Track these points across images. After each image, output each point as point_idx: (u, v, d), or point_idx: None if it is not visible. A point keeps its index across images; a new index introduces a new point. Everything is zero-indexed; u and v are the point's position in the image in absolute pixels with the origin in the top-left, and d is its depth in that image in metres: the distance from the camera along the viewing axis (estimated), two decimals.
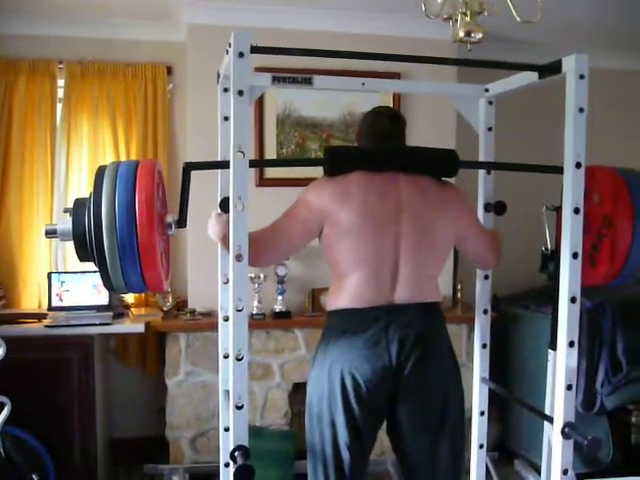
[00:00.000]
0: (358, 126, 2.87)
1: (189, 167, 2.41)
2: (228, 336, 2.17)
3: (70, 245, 4.70)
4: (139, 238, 2.11)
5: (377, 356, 2.52)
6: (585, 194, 2.34)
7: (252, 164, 2.20)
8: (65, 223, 2.22)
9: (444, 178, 2.76)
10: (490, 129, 2.97)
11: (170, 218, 2.36)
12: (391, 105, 4.85)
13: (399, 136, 2.81)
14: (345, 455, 2.60)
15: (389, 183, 2.60)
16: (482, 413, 3.06)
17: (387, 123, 2.79)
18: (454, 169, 2.70)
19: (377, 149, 2.75)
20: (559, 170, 2.34)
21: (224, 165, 2.22)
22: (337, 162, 2.63)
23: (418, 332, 2.55)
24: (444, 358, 2.67)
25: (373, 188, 2.57)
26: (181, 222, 2.42)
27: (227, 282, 2.54)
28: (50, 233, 2.26)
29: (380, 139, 2.76)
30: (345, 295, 2.59)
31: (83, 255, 2.21)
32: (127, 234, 2.09)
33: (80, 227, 2.17)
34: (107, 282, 2.20)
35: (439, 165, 2.72)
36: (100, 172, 2.21)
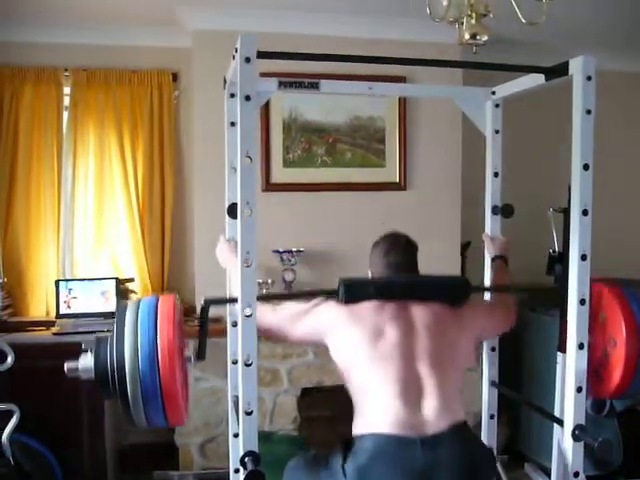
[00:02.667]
0: (370, 255, 2.80)
1: (208, 303, 2.51)
2: (237, 342, 2.17)
3: (77, 252, 4.72)
4: (162, 386, 2.15)
5: None
6: (591, 313, 2.37)
7: (259, 298, 2.23)
8: (86, 360, 2.25)
9: None
10: (497, 132, 2.97)
11: (189, 352, 2.40)
12: (397, 108, 4.86)
13: (411, 266, 2.76)
14: None
15: (402, 308, 2.55)
16: (492, 416, 3.05)
17: (399, 255, 2.73)
18: (465, 296, 2.68)
19: (389, 282, 2.69)
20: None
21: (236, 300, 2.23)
22: (350, 294, 2.57)
23: (454, 467, 2.37)
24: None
25: (385, 312, 2.52)
26: (200, 355, 2.52)
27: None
28: (72, 370, 2.31)
29: (393, 270, 2.71)
30: (372, 420, 2.43)
31: (105, 393, 2.23)
32: (150, 383, 2.14)
33: (102, 368, 2.20)
34: (129, 419, 2.24)
35: (450, 294, 2.67)
36: (121, 313, 2.27)
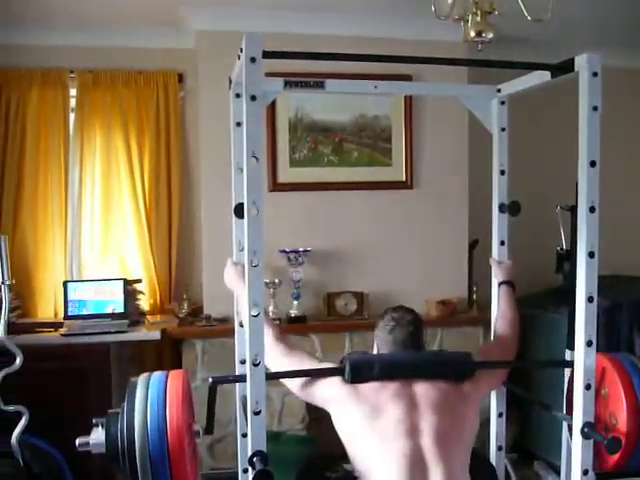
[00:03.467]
0: (377, 328, 2.76)
1: (215, 382, 2.63)
2: (245, 342, 2.17)
3: (85, 254, 4.73)
4: (171, 463, 2.19)
5: None
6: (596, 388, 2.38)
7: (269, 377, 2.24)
8: (97, 435, 2.33)
9: None
10: (503, 129, 2.96)
11: (197, 427, 2.43)
12: (403, 107, 4.86)
13: (417, 342, 2.73)
14: None
15: (405, 387, 2.52)
16: (500, 415, 3.04)
17: (405, 331, 2.70)
18: (469, 373, 2.64)
19: (395, 360, 2.65)
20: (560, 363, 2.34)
21: (244, 379, 2.24)
22: (357, 374, 2.53)
23: None
24: None
25: (388, 389, 2.49)
26: (208, 430, 2.59)
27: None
28: (83, 445, 2.38)
29: (398, 346, 2.68)
30: None
31: (116, 467, 2.28)
32: (160, 461, 2.19)
33: (113, 444, 2.27)
34: None
35: (454, 370, 2.64)
36: (131, 389, 2.37)
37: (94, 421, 2.38)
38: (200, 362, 4.50)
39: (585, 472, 2.35)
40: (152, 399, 2.29)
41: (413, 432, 2.41)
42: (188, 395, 2.43)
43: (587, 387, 2.34)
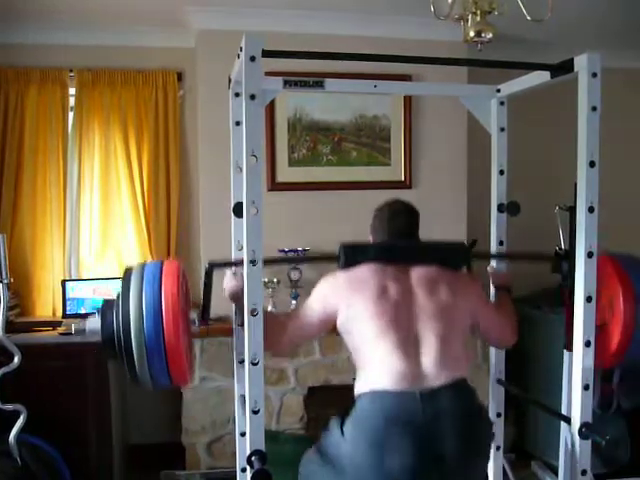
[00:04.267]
0: (372, 221, 2.84)
1: (212, 266, 2.60)
2: (243, 341, 2.17)
3: (83, 253, 4.74)
4: (166, 343, 2.23)
5: (411, 448, 2.36)
6: None
7: (266, 262, 2.23)
8: (93, 323, 2.34)
9: None
10: (503, 129, 2.97)
11: (194, 315, 2.48)
12: (402, 107, 4.86)
13: (412, 233, 2.80)
14: None
15: (401, 271, 2.61)
16: (498, 415, 3.05)
17: (401, 221, 2.78)
18: (463, 261, 2.76)
19: (389, 246, 2.75)
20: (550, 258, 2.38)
21: (241, 263, 2.25)
22: (351, 257, 2.65)
23: (454, 420, 2.41)
24: (481, 436, 2.57)
25: (386, 274, 2.58)
26: (204, 317, 2.61)
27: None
28: (79, 332, 2.38)
29: (394, 237, 2.76)
30: (372, 373, 2.49)
31: (111, 353, 2.30)
32: (154, 339, 2.22)
33: (108, 329, 2.29)
34: (134, 378, 2.31)
35: (448, 258, 2.73)
36: (127, 276, 2.35)
37: (95, 309, 2.43)
38: (199, 361, 4.49)
39: (583, 472, 2.36)
40: (147, 281, 2.29)
41: (409, 314, 2.52)
42: (183, 282, 2.43)
43: (585, 387, 2.34)
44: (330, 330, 2.66)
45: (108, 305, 2.33)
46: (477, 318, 2.72)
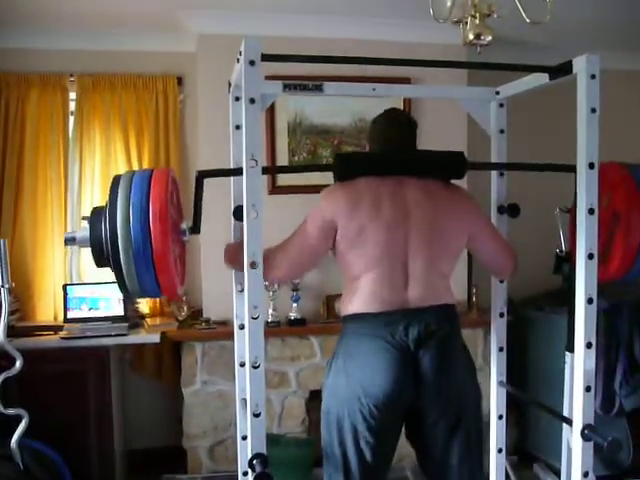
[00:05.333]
0: (369, 130, 2.86)
1: (202, 175, 2.51)
2: (244, 344, 2.17)
3: (85, 257, 4.74)
4: (153, 245, 2.17)
5: (396, 362, 2.49)
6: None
7: (264, 171, 2.21)
8: (83, 231, 2.30)
9: (454, 182, 2.76)
10: (502, 131, 2.97)
11: (184, 225, 2.42)
12: (402, 109, 4.85)
13: (410, 142, 2.81)
14: (369, 459, 2.58)
15: (398, 186, 2.61)
16: (500, 417, 3.04)
17: (398, 130, 2.79)
18: (462, 171, 2.73)
19: (385, 155, 2.76)
20: (572, 169, 2.34)
21: (237, 172, 2.25)
22: (346, 167, 2.66)
23: (436, 337, 2.52)
24: (461, 359, 2.67)
25: (382, 191, 2.58)
26: (195, 228, 2.51)
27: (242, 290, 2.53)
28: (69, 240, 2.35)
29: (391, 146, 2.76)
30: (359, 298, 2.59)
31: (100, 261, 2.30)
32: (141, 241, 2.17)
33: (97, 235, 2.26)
34: (123, 287, 2.28)
35: (447, 168, 2.72)
36: (115, 181, 2.29)
37: (83, 217, 2.37)
38: (200, 364, 4.50)
39: (585, 474, 2.35)
40: (135, 187, 2.25)
41: (400, 238, 2.57)
42: (174, 190, 2.41)
43: (587, 389, 2.34)
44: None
45: (97, 213, 2.29)
46: (476, 236, 2.73)
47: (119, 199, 2.21)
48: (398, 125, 2.82)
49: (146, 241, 2.16)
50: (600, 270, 2.43)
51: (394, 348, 2.49)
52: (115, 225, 2.18)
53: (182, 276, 2.46)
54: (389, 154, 2.75)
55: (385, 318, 2.52)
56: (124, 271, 2.21)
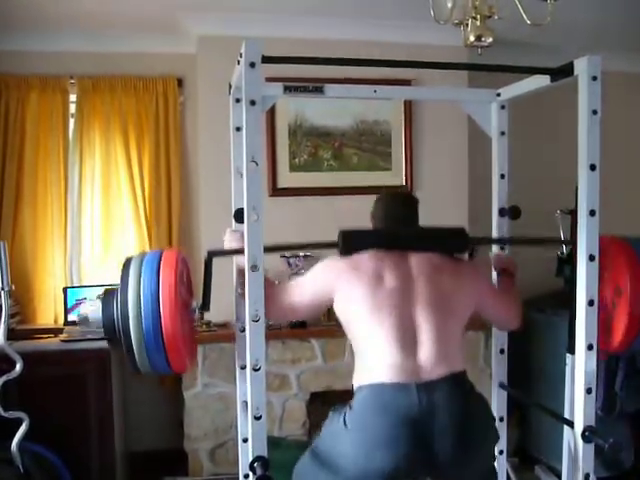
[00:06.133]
0: (373, 208, 2.84)
1: (212, 254, 2.58)
2: (245, 347, 2.17)
3: (85, 259, 4.74)
4: (163, 330, 2.25)
5: (407, 440, 2.34)
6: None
7: (267, 249, 2.22)
8: (95, 311, 2.40)
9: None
10: (503, 133, 2.97)
11: (194, 304, 2.51)
12: (402, 112, 4.87)
13: (412, 220, 2.80)
14: None
15: (401, 258, 2.58)
16: (501, 419, 3.04)
17: (401, 209, 2.80)
18: (464, 246, 2.75)
19: (389, 231, 2.74)
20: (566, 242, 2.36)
21: (242, 252, 2.26)
22: (350, 243, 2.62)
23: (451, 416, 2.38)
24: (477, 422, 2.50)
25: (385, 262, 2.55)
26: (204, 306, 2.58)
27: (242, 293, 2.52)
28: (82, 320, 2.44)
29: (394, 223, 2.76)
30: (369, 369, 2.48)
31: (112, 340, 2.36)
32: (152, 327, 2.25)
33: (109, 315, 2.32)
34: (134, 365, 2.35)
35: (449, 243, 2.73)
36: (126, 264, 2.38)
37: (97, 295, 2.48)
38: (201, 367, 4.50)
39: (587, 476, 2.35)
40: (145, 269, 2.32)
41: (407, 303, 2.49)
42: (184, 270, 2.48)
43: (588, 391, 2.34)
44: (323, 313, 2.66)
45: (109, 294, 2.37)
46: (482, 304, 2.71)
47: (130, 283, 2.30)
48: (401, 203, 2.83)
49: (157, 326, 2.24)
50: (603, 341, 2.44)
51: (406, 426, 2.35)
52: (127, 307, 2.26)
53: (192, 351, 2.51)
54: (392, 231, 2.74)
55: (397, 392, 2.39)
56: (135, 351, 2.29)
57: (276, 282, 2.75)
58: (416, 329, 2.47)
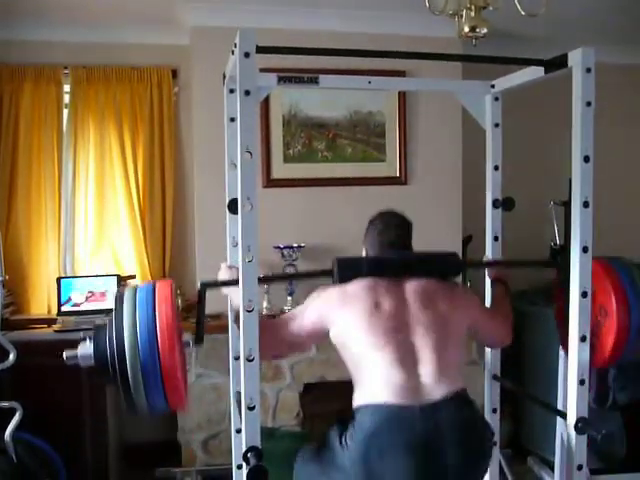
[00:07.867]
0: (366, 232, 2.81)
1: (205, 286, 2.52)
2: (238, 338, 2.17)
3: (78, 250, 4.72)
4: (162, 364, 2.16)
5: (412, 462, 2.33)
6: None
7: (261, 280, 2.21)
8: (85, 348, 2.24)
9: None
10: (497, 125, 2.97)
11: (187, 337, 2.42)
12: (396, 103, 4.86)
13: (406, 243, 2.78)
14: None
15: (396, 284, 2.58)
16: (494, 410, 3.05)
17: (394, 232, 2.77)
18: (457, 270, 2.78)
19: (382, 259, 2.72)
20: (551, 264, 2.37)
21: (235, 283, 2.27)
22: (345, 272, 2.61)
23: (455, 434, 2.38)
24: (483, 453, 2.53)
25: (380, 288, 2.55)
26: (198, 339, 2.52)
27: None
28: (71, 359, 2.30)
29: (387, 248, 2.73)
30: (370, 392, 2.45)
31: (105, 378, 2.23)
32: (151, 366, 2.14)
33: (102, 353, 2.20)
34: (130, 405, 2.23)
35: (443, 268, 2.73)
36: (119, 298, 2.28)
37: (81, 335, 2.33)
38: (194, 358, 4.50)
39: (579, 467, 2.36)
40: (140, 304, 2.24)
41: (404, 327, 2.49)
42: (175, 301, 2.38)
43: (581, 382, 2.34)
44: (321, 342, 2.64)
45: (100, 330, 2.27)
46: (475, 327, 2.71)
47: (125, 318, 2.20)
48: (394, 227, 2.78)
49: (155, 365, 2.15)
50: (592, 356, 2.45)
51: (412, 446, 2.34)
52: (123, 348, 2.15)
53: (186, 384, 2.46)
54: (387, 258, 2.72)
55: (399, 412, 2.37)
56: (132, 390, 2.18)
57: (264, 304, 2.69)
58: (416, 352, 2.45)
